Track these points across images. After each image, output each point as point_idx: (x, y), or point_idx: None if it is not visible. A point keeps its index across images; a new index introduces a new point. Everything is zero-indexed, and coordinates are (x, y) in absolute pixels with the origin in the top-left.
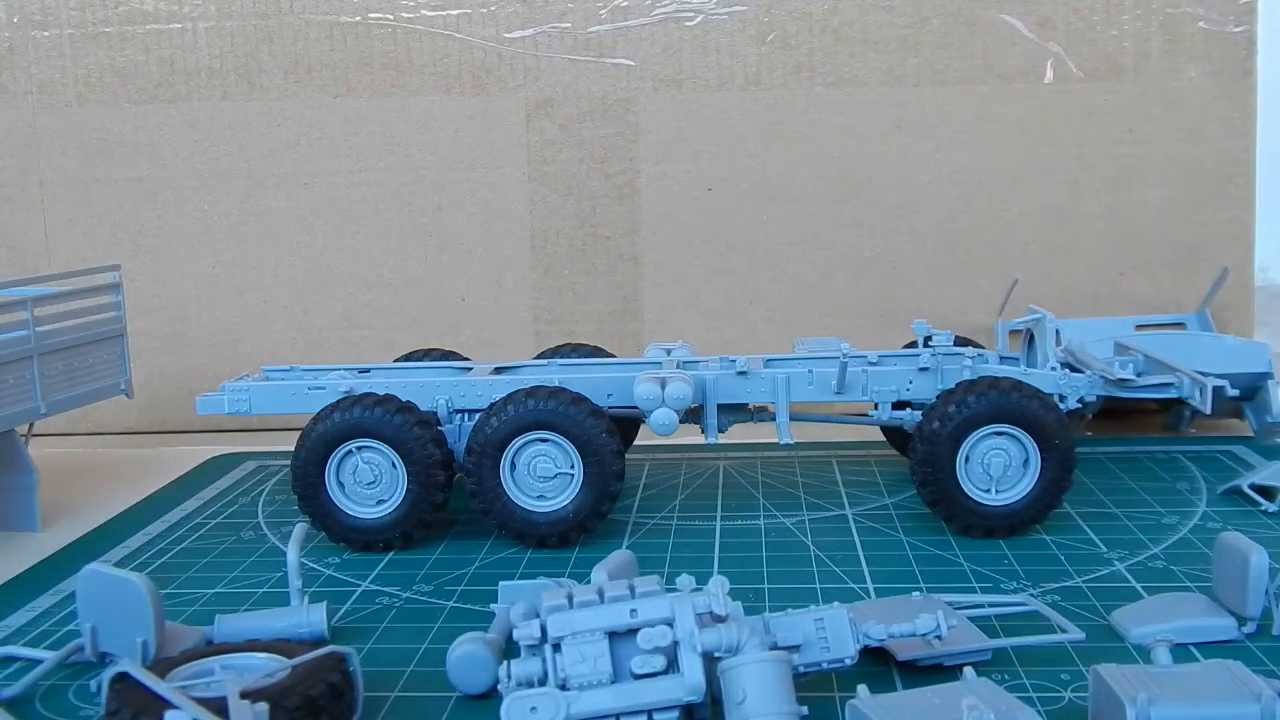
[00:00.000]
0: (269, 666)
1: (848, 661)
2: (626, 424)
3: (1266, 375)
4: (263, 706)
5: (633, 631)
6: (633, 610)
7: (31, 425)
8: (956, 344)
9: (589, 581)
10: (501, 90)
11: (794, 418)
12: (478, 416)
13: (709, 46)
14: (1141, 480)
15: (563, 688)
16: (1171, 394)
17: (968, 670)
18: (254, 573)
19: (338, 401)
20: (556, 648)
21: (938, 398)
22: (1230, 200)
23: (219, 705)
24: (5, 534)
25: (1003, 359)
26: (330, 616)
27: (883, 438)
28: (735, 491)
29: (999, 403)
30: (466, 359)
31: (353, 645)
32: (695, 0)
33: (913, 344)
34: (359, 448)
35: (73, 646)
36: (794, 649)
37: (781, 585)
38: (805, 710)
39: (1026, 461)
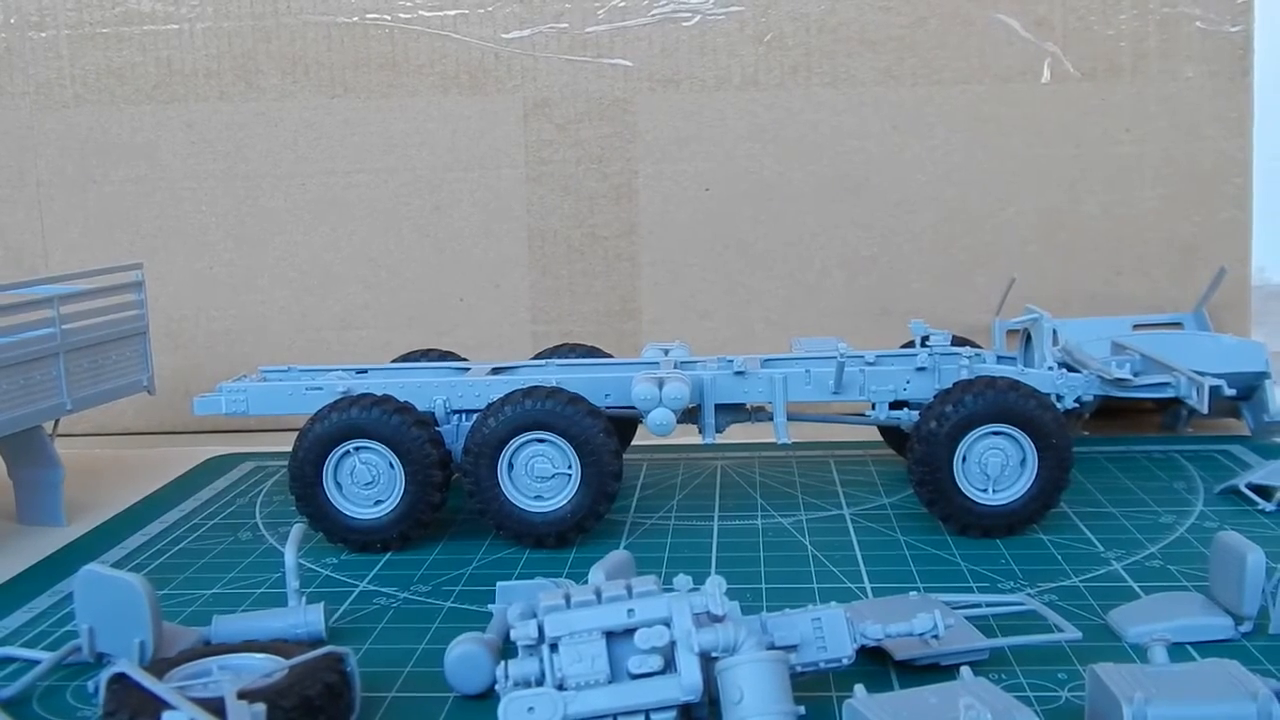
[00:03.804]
0: (266, 667)
1: (845, 661)
2: (624, 424)
3: (1264, 375)
4: (260, 707)
5: (630, 631)
6: (630, 610)
7: (58, 422)
8: (954, 344)
9: (586, 581)
10: (499, 90)
11: (791, 418)
12: (475, 417)
13: (706, 47)
14: (1139, 480)
15: (560, 688)
16: (1169, 393)
17: (965, 670)
18: (251, 573)
19: (335, 402)
20: (554, 648)
21: (935, 397)
22: (1227, 200)
23: (216, 706)
24: (31, 528)
25: (1000, 359)
26: (328, 617)
27: (880, 437)
28: (733, 491)
29: (996, 402)
30: (464, 359)
31: (350, 645)
32: (692, 1)
33: (910, 344)
34: (356, 448)
35: (70, 647)
36: (791, 649)
37: (779, 585)
38: (802, 710)
39: (1024, 461)
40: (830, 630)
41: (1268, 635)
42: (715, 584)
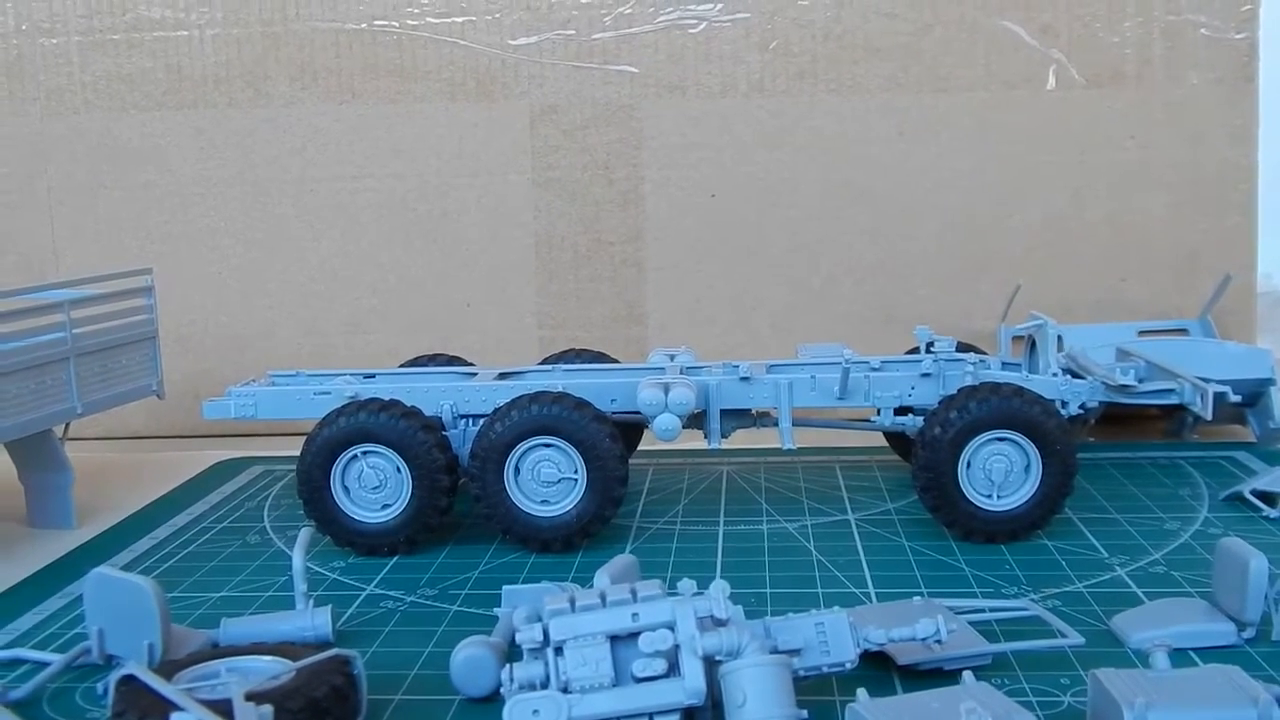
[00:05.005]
0: (274, 669)
1: (848, 665)
2: (630, 429)
3: (1268, 381)
4: (268, 709)
5: (634, 635)
6: (634, 614)
7: (68, 426)
8: (959, 350)
9: (591, 586)
10: (506, 97)
11: (797, 423)
12: (482, 421)
13: (712, 53)
14: (1143, 486)
15: (565, 691)
16: (1173, 400)
17: (967, 674)
18: (259, 576)
19: (343, 406)
20: (559, 651)
21: (940, 403)
22: (1232, 207)
23: (225, 707)
24: (42, 531)
25: (1005, 365)
26: (335, 620)
27: (885, 443)
28: (738, 496)
29: (1001, 408)
30: (471, 364)
31: (357, 648)
32: (699, 8)
33: (915, 350)
34: (364, 452)
35: (80, 649)
36: (794, 653)
37: (783, 590)
38: (805, 713)
39: (1028, 467)
40: (833, 634)
41: (1270, 641)
42: (719, 588)
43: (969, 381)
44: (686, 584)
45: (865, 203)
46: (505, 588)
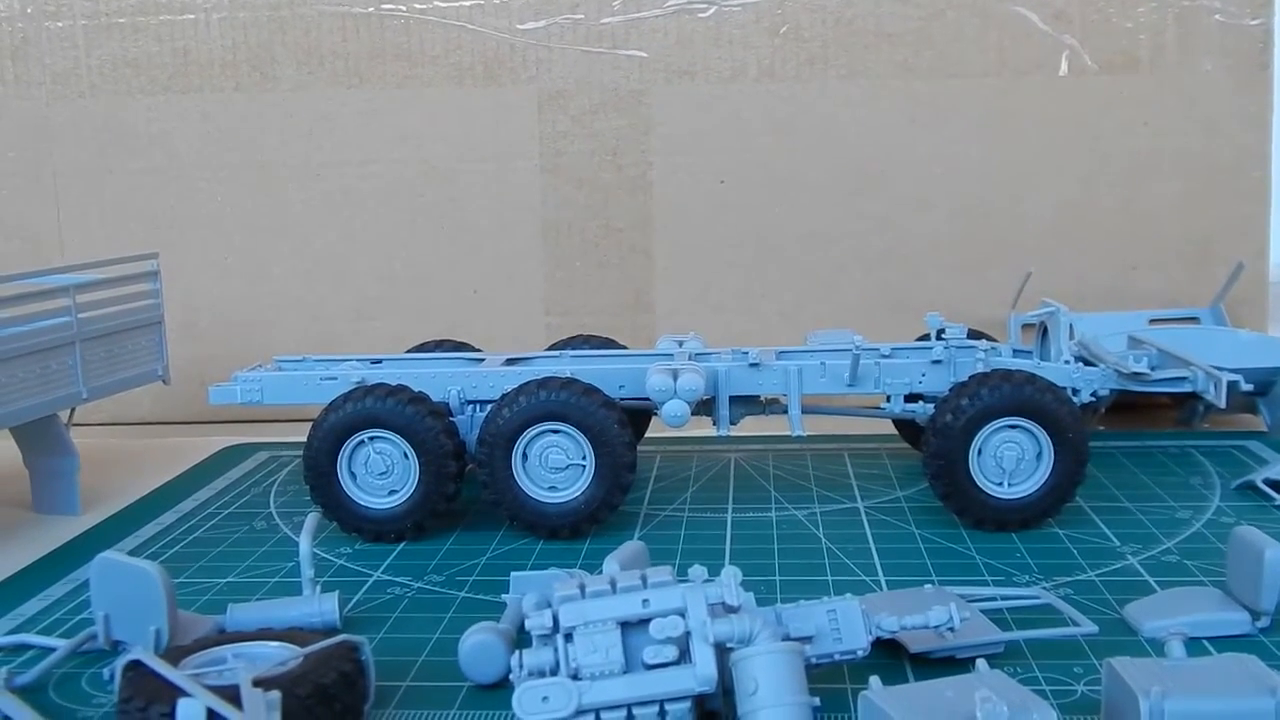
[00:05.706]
0: (281, 655)
1: (860, 653)
2: (638, 416)
3: None
4: (275, 694)
5: (645, 622)
6: (645, 600)
7: (73, 411)
8: (969, 337)
9: (600, 572)
10: (514, 82)
11: (806, 410)
12: (490, 407)
13: (722, 38)
14: (1154, 475)
15: (574, 677)
16: (1185, 388)
17: (980, 662)
18: (266, 562)
19: (350, 392)
20: (568, 638)
21: (950, 390)
22: (1245, 194)
23: (232, 693)
24: (47, 516)
25: (1016, 352)
26: (342, 606)
27: (895, 431)
28: (746, 483)
29: (1012, 396)
30: (478, 350)
31: (365, 635)
32: None
33: (925, 337)
34: (371, 438)
35: (86, 635)
36: (806, 640)
37: (793, 577)
38: (817, 701)
39: (1039, 455)
40: (845, 622)
41: None
42: (730, 575)
43: (980, 368)
44: (698, 570)
45: (875, 189)
46: (513, 574)
